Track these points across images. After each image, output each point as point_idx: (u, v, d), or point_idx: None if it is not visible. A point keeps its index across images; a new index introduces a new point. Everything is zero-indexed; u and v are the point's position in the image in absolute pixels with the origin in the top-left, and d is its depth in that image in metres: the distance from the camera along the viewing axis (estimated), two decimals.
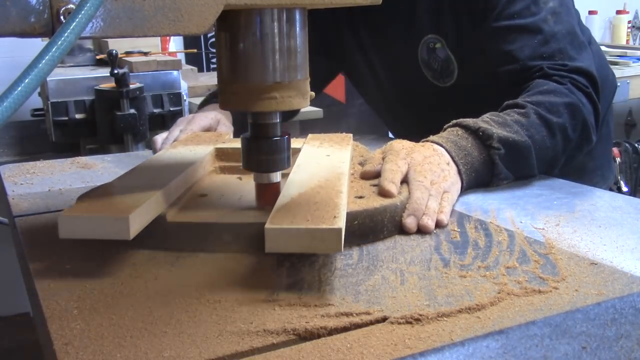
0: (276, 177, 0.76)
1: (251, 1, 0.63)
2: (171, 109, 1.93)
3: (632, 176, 3.16)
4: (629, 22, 3.66)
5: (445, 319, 0.57)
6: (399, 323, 0.56)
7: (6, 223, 1.12)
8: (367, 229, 0.77)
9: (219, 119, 1.20)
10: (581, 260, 0.70)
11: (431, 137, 0.98)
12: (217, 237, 0.74)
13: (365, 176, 0.91)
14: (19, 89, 0.44)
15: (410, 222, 0.80)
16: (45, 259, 0.73)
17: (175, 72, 1.96)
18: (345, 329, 0.56)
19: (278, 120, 0.74)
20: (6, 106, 0.43)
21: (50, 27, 0.56)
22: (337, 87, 3.35)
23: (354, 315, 0.58)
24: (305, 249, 0.65)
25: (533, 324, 0.56)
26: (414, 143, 0.95)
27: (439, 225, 0.82)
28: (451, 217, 0.85)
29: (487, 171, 0.98)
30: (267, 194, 0.76)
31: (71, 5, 0.55)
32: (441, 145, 0.95)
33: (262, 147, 0.74)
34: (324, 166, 0.85)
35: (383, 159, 0.92)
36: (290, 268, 0.69)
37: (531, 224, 0.82)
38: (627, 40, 3.63)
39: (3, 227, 1.37)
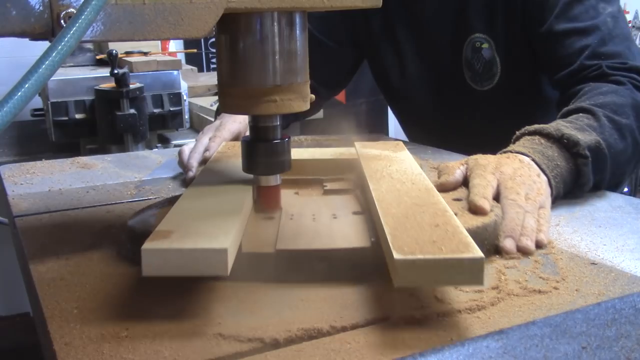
0: (276, 179, 0.76)
1: (251, 5, 0.63)
2: (171, 109, 1.93)
3: (632, 176, 3.16)
4: (629, 22, 3.66)
5: (445, 319, 0.57)
6: (399, 323, 0.56)
7: (6, 223, 1.12)
8: None
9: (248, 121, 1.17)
10: (581, 260, 0.70)
11: (512, 147, 0.89)
12: (318, 267, 0.64)
13: (443, 188, 0.83)
14: (19, 94, 0.44)
15: (508, 244, 0.71)
16: (45, 259, 0.73)
17: (175, 72, 1.96)
18: (345, 329, 0.56)
19: (278, 123, 0.74)
20: (6, 111, 0.43)
21: (50, 27, 0.56)
22: None
23: (354, 314, 0.58)
24: (440, 283, 0.56)
25: (533, 324, 0.56)
26: (498, 155, 0.87)
27: (538, 245, 0.73)
28: None
29: (573, 180, 0.90)
30: (268, 196, 0.76)
31: (72, 10, 0.55)
32: (527, 156, 0.86)
33: (263, 150, 0.74)
34: (401, 179, 0.76)
35: (468, 175, 0.84)
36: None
37: None
38: None
39: (3, 227, 1.37)
